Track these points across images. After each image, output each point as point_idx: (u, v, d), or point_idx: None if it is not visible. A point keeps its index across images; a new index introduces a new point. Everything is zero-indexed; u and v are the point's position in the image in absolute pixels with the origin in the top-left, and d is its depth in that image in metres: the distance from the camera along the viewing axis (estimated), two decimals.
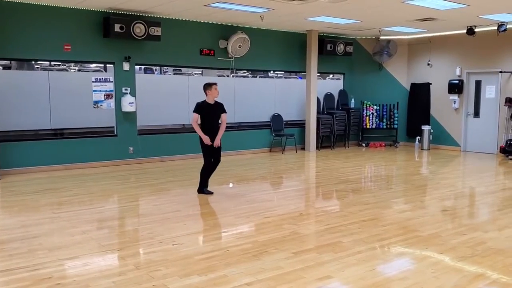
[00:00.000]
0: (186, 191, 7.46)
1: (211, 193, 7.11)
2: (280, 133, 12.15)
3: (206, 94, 7.04)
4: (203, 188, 7.16)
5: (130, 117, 9.98)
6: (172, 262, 4.28)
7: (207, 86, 7.04)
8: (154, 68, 14.13)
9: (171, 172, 9.12)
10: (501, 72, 11.60)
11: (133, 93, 9.92)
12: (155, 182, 8.14)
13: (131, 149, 10.05)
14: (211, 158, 7.05)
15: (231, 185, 8.23)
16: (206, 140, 6.90)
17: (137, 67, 11.20)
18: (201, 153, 7.08)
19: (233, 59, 11.14)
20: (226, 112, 7.14)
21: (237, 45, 10.90)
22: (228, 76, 11.97)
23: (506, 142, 11.17)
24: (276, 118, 12.25)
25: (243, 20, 10.49)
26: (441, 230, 5.34)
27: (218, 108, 7.07)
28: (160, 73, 14.01)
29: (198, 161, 10.41)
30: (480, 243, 4.87)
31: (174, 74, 13.73)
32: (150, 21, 9.63)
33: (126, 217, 6.08)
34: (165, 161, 10.39)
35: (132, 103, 9.81)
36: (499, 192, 7.59)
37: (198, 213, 6.07)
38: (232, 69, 11.30)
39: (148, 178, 8.57)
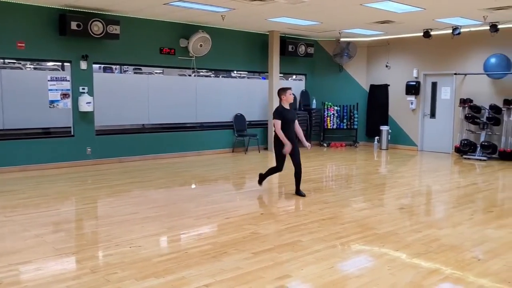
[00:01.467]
0: (145, 193, 7.34)
1: (304, 195, 7.09)
2: (243, 133, 12.15)
3: (281, 99, 6.82)
4: (261, 181, 7.48)
5: (88, 117, 9.74)
6: (129, 265, 4.19)
7: (282, 91, 6.83)
8: (114, 67, 13.84)
9: (129, 173, 8.95)
10: (455, 74, 11.99)
11: (90, 93, 9.69)
12: (113, 184, 7.96)
13: (89, 150, 9.80)
14: (283, 163, 7.03)
15: (193, 186, 8.15)
16: (289, 147, 6.75)
17: (96, 66, 10.95)
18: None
19: (194, 58, 11.05)
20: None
21: (198, 45, 10.82)
22: (190, 75, 11.85)
23: (461, 142, 11.55)
24: (239, 118, 12.24)
25: (204, 19, 10.42)
26: (398, 227, 5.46)
27: (294, 113, 7.00)
28: (121, 72, 13.73)
29: (157, 162, 10.31)
30: (434, 239, 5.01)
31: (135, 73, 13.48)
32: (109, 19, 9.43)
33: (83, 220, 5.92)
34: (124, 162, 10.19)
35: (89, 102, 9.57)
36: (454, 190, 7.84)
37: (157, 214, 5.97)
38: (193, 68, 11.21)
39: (106, 179, 8.38)
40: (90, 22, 9.12)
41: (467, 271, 4.10)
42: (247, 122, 12.41)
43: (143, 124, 11.05)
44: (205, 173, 9.16)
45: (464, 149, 11.44)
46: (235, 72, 12.96)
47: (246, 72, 13.08)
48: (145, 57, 10.53)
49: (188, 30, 10.88)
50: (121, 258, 4.36)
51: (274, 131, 6.77)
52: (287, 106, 6.82)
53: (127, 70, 14.13)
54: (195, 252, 4.53)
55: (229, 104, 12.18)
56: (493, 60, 11.02)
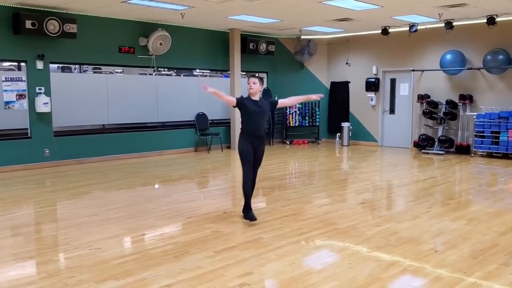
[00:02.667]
0: (105, 194, 7.19)
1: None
2: (205, 132, 12.08)
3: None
4: (249, 210, 5.58)
5: (45, 118, 9.46)
6: (88, 267, 4.10)
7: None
8: (73, 66, 13.49)
9: (89, 175, 8.75)
10: (413, 70, 12.30)
11: (48, 93, 9.41)
12: (72, 186, 7.76)
13: (47, 151, 9.52)
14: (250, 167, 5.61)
15: (156, 186, 8.03)
16: (208, 89, 5.64)
17: (54, 66, 10.65)
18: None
19: (154, 57, 10.90)
20: None
21: (157, 43, 10.68)
22: (150, 74, 11.69)
23: (419, 137, 11.86)
24: (201, 117, 12.16)
25: (164, 17, 10.30)
26: (358, 222, 5.55)
27: (262, 105, 5.63)
28: (80, 72, 13.40)
29: (118, 163, 10.13)
30: (393, 233, 5.12)
31: (94, 72, 13.18)
32: (65, 17, 9.17)
33: (40, 223, 5.74)
34: (84, 163, 9.95)
35: (47, 103, 9.30)
36: (413, 184, 8.04)
37: (117, 216, 5.85)
38: (153, 67, 11.06)
39: (65, 181, 8.16)
40: (46, 20, 8.85)
41: (424, 263, 4.21)
42: (210, 121, 12.34)
43: (103, 125, 10.82)
44: (167, 173, 9.06)
45: (423, 144, 11.76)
46: (197, 70, 12.86)
47: (208, 71, 13.01)
48: (104, 56, 10.31)
49: (147, 28, 10.72)
50: (80, 261, 4.26)
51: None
52: (255, 98, 5.53)
53: (86, 70, 13.81)
54: (156, 253, 4.47)
55: (190, 102, 12.08)
56: (448, 56, 11.36)
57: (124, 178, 8.45)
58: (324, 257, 4.45)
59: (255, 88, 5.54)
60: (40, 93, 9.31)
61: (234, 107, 5.74)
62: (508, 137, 10.36)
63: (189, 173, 9.27)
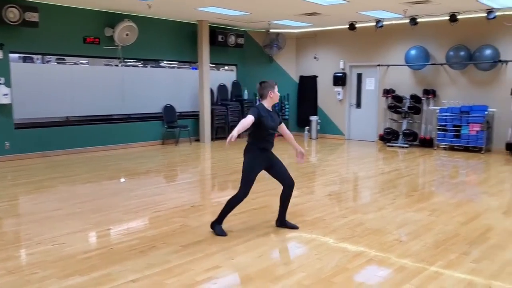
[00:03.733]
0: (70, 188, 7.03)
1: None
2: (173, 124, 11.94)
3: (265, 97, 4.80)
4: (218, 224, 4.93)
5: (5, 109, 9.15)
6: (51, 263, 4.00)
7: (270, 87, 4.80)
8: (35, 57, 13.08)
9: (53, 168, 8.53)
10: (379, 65, 12.49)
11: (8, 84, 9.09)
12: (35, 179, 7.55)
13: (7, 144, 9.22)
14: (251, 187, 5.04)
15: (122, 180, 7.90)
16: (229, 139, 4.50)
17: (14, 55, 10.28)
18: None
19: (120, 48, 10.69)
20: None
21: (124, 34, 10.47)
22: (116, 65, 11.45)
23: (385, 130, 12.09)
24: (169, 109, 12.02)
25: (130, 7, 10.10)
26: (326, 214, 5.62)
27: (277, 119, 5.00)
28: (42, 62, 12.99)
29: (83, 156, 9.91)
30: (359, 224, 5.21)
31: (58, 63, 12.81)
32: (25, 5, 8.88)
33: (1, 219, 5.54)
34: (47, 157, 9.69)
35: (6, 94, 8.99)
36: (378, 176, 8.19)
37: (82, 210, 5.73)
38: (119, 58, 10.84)
39: (28, 175, 7.93)
40: (5, 8, 8.54)
41: (389, 253, 4.30)
42: (177, 113, 12.21)
43: (67, 117, 10.54)
44: (134, 166, 8.93)
45: (388, 137, 11.99)
46: (164, 62, 12.68)
47: (176, 62, 12.85)
48: (67, 46, 10.03)
49: (113, 18, 10.49)
50: (43, 256, 4.15)
51: (245, 147, 4.96)
52: (269, 107, 4.83)
53: (50, 60, 13.41)
54: (122, 248, 4.40)
55: (158, 94, 11.91)
56: (413, 52, 11.59)
57: (89, 171, 8.28)
58: (292, 249, 4.49)
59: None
60: (0, 83, 8.99)
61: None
62: (469, 130, 10.68)
63: (157, 167, 9.16)
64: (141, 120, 11.65)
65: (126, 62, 11.54)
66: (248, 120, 4.55)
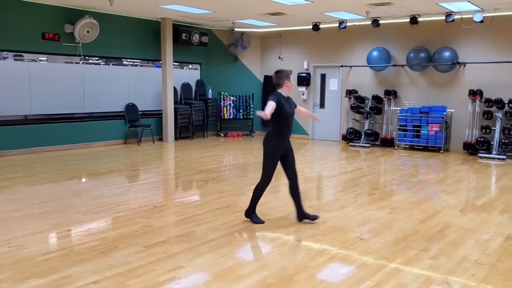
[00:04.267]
0: (28, 189, 6.81)
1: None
2: (135, 123, 11.76)
3: (281, 86, 5.01)
4: (252, 213, 5.28)
5: None
6: (7, 266, 3.86)
7: (286, 77, 5.03)
8: None
9: (11, 168, 8.24)
10: (342, 66, 12.69)
11: None
12: None
13: None
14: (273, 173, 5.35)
15: (83, 180, 7.72)
16: (264, 113, 4.84)
17: None
18: None
19: (81, 45, 10.43)
20: None
21: (84, 30, 10.23)
22: (77, 63, 11.17)
23: (347, 130, 12.29)
24: (131, 108, 11.82)
25: (91, 4, 9.88)
26: (289, 212, 5.65)
27: (293, 105, 5.26)
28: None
29: (42, 155, 9.62)
30: (322, 222, 5.27)
31: (15, 60, 12.39)
32: None
33: None
34: (4, 156, 9.35)
35: None
36: (341, 175, 8.32)
37: (41, 211, 5.56)
38: (80, 55, 10.59)
39: None
40: None
41: (351, 250, 4.38)
42: (140, 112, 12.02)
43: (25, 115, 10.21)
44: (95, 166, 8.74)
45: (350, 137, 12.19)
46: (127, 60, 12.47)
47: (139, 60, 12.66)
48: (25, 43, 9.72)
49: (73, 15, 10.24)
50: None
51: (265, 136, 5.12)
52: (285, 96, 5.05)
53: (7, 57, 12.96)
54: (82, 249, 4.30)
55: (120, 93, 11.70)
56: (375, 53, 11.83)
57: (49, 171, 8.05)
58: (256, 248, 4.50)
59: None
60: None
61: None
62: (428, 131, 11.00)
63: (119, 166, 9.00)
64: (103, 119, 11.40)
65: (87, 59, 11.29)
66: (273, 104, 4.81)
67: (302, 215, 5.26)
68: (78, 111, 11.00)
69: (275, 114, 4.86)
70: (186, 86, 13.22)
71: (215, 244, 4.49)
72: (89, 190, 6.81)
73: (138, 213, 5.55)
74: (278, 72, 5.07)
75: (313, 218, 5.26)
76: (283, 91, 5.01)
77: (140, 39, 11.92)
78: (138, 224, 5.11)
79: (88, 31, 10.31)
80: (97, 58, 11.94)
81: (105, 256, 4.12)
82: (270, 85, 13.96)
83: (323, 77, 13.29)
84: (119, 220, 5.26)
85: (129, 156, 10.13)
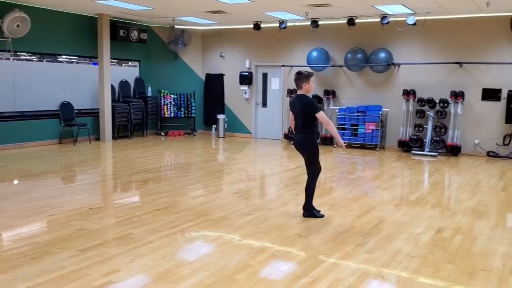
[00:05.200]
0: None
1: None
2: (70, 122, 11.29)
3: (302, 88, 5.38)
4: (312, 210, 5.50)
5: None
6: None
7: (306, 78, 5.37)
8: None
9: None
10: (283, 66, 12.83)
11: None
12: None
13: None
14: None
15: (15, 181, 7.31)
16: (342, 143, 5.61)
17: None
18: None
19: (10, 40, 9.88)
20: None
21: (14, 25, 9.68)
22: (7, 59, 10.56)
23: (288, 129, 12.44)
24: (66, 106, 11.33)
25: None
26: (231, 212, 5.64)
27: None
28: None
29: None
30: (263, 220, 5.30)
31: None
32: None
33: None
34: None
35: None
36: (283, 173, 8.41)
37: None
38: (9, 51, 10.02)
39: None
40: None
41: (291, 247, 4.43)
42: (76, 111, 11.55)
43: None
44: (28, 167, 8.31)
45: (291, 135, 12.34)
46: (63, 56, 11.96)
47: (76, 57, 12.17)
48: None
49: (1, 8, 9.67)
50: None
51: (304, 137, 5.39)
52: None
53: None
54: (11, 255, 4.06)
55: (54, 91, 11.19)
56: (314, 53, 12.05)
57: None
58: (196, 249, 4.44)
59: None
60: None
61: None
62: (365, 129, 11.36)
63: (53, 167, 8.61)
64: (36, 118, 10.85)
65: (18, 55, 10.72)
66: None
67: (308, 212, 5.44)
68: (8, 109, 10.39)
69: (311, 116, 5.23)
70: (124, 84, 12.87)
71: (154, 246, 4.39)
72: (21, 192, 6.47)
73: (73, 216, 5.33)
74: (298, 74, 5.36)
75: (320, 216, 5.45)
76: (303, 92, 5.32)
77: (76, 35, 11.47)
78: (73, 227, 4.91)
79: (18, 26, 9.77)
80: (30, 54, 11.35)
81: (37, 261, 3.92)
82: (212, 84, 13.98)
83: (264, 76, 13.38)
84: (52, 224, 5.02)
85: (64, 157, 9.73)
